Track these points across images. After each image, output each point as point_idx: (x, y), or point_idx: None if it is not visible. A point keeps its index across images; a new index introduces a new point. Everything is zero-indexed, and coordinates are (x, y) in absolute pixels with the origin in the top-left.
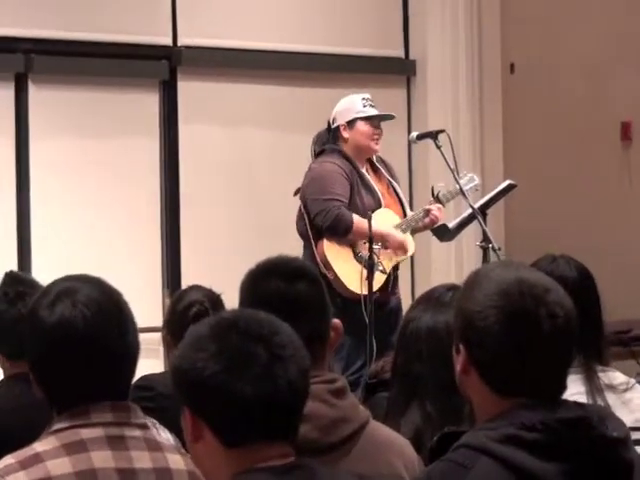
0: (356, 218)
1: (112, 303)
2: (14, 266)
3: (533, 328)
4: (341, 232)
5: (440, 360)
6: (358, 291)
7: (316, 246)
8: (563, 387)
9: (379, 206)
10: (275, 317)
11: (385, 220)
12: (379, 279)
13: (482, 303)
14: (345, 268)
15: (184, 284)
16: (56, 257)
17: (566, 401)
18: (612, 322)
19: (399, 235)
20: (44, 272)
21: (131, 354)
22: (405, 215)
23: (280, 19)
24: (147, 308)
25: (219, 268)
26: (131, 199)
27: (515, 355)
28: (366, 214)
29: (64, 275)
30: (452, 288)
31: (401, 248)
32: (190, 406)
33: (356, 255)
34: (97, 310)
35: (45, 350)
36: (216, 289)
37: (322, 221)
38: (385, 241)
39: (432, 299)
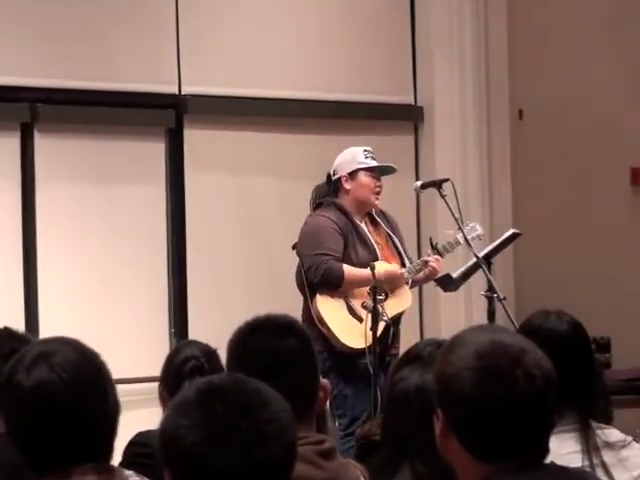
0: (347, 268)
1: (89, 365)
2: (21, 314)
3: (509, 389)
4: (333, 284)
5: (430, 419)
6: (352, 345)
7: (311, 301)
8: (545, 450)
9: (375, 259)
10: (267, 386)
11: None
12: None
13: (457, 366)
14: (339, 322)
15: (191, 333)
16: (63, 306)
17: (550, 465)
18: (624, 370)
19: (391, 268)
20: (51, 319)
21: (110, 415)
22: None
23: (285, 66)
24: (154, 358)
25: (226, 318)
26: (137, 247)
27: (491, 417)
28: (360, 268)
29: (41, 338)
30: (432, 344)
31: (393, 280)
32: (168, 469)
33: (350, 308)
34: (74, 372)
35: (23, 414)
36: (222, 340)
37: (313, 276)
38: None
39: (416, 357)
